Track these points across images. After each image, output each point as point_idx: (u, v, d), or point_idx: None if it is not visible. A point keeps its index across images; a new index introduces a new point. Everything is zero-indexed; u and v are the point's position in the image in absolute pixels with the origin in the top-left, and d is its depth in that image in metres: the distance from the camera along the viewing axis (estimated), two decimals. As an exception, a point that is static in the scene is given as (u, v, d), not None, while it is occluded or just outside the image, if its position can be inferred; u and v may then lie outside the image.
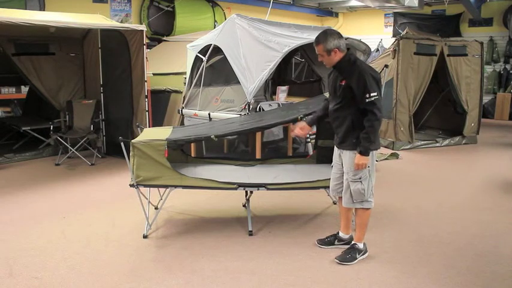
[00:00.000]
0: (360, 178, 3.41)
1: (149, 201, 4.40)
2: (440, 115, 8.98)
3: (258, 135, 5.55)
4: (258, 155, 5.47)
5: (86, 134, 6.87)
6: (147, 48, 7.17)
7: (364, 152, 3.31)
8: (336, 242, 3.81)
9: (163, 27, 9.95)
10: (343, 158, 3.51)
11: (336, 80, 3.46)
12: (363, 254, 3.60)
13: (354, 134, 3.38)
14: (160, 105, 7.39)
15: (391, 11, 13.24)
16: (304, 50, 6.94)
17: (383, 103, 3.82)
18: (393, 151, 7.55)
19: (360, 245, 3.61)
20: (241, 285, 3.19)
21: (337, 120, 3.50)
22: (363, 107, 3.28)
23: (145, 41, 6.58)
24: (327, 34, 3.39)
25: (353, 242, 3.65)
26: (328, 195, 4.79)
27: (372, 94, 3.24)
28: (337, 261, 3.53)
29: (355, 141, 3.38)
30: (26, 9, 7.66)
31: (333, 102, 3.52)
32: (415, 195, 5.33)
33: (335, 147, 3.64)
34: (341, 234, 3.83)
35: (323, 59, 3.45)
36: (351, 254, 3.56)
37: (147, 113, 6.69)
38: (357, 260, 3.54)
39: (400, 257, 3.65)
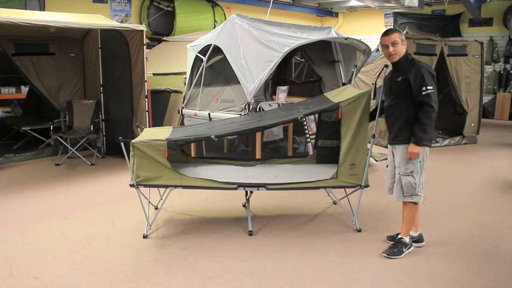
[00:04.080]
0: (412, 172, 3.54)
1: (149, 201, 4.40)
2: (440, 115, 8.83)
3: (258, 135, 5.55)
4: (258, 155, 5.46)
5: (86, 134, 6.87)
6: (147, 48, 7.16)
7: (418, 142, 3.45)
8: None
9: (163, 27, 9.95)
10: (395, 152, 3.66)
11: (391, 79, 3.67)
12: (409, 248, 3.68)
13: (408, 128, 3.52)
14: (160, 105, 7.39)
15: (391, 11, 13.23)
16: (304, 50, 6.92)
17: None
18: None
19: (406, 239, 3.69)
20: (241, 285, 3.19)
21: (392, 116, 3.67)
22: (419, 100, 3.43)
23: (145, 41, 6.58)
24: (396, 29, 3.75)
25: (399, 236, 3.72)
26: (328, 195, 4.79)
27: (428, 87, 3.41)
28: (385, 255, 3.61)
29: (408, 135, 3.51)
30: (26, 9, 7.65)
31: (388, 99, 3.71)
32: (415, 195, 5.33)
33: (388, 146, 3.79)
34: (411, 233, 3.82)
35: (395, 49, 3.55)
36: (398, 248, 3.64)
37: (147, 113, 6.69)
38: (404, 254, 3.62)
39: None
